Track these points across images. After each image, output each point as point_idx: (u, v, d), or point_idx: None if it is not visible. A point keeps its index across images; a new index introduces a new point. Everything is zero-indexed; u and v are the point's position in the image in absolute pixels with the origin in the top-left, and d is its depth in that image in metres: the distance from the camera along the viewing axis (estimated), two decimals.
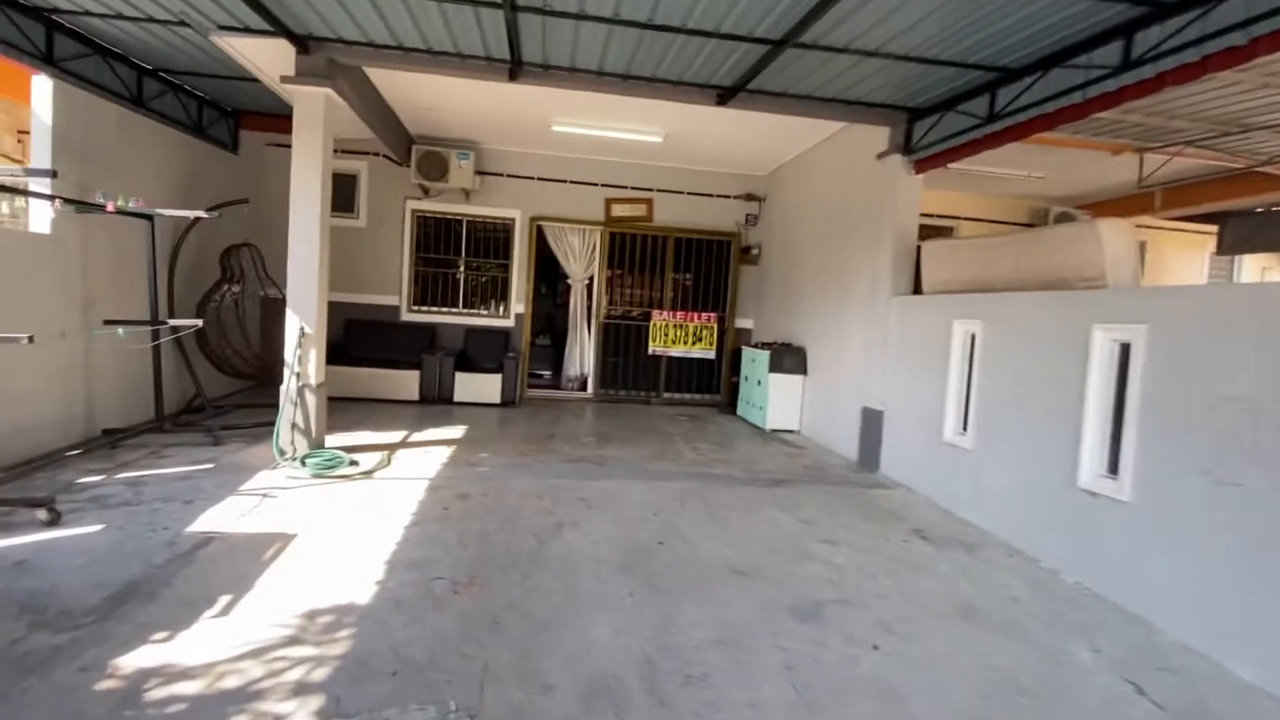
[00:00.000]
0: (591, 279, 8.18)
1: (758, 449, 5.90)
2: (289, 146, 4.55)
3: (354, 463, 4.51)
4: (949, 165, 4.99)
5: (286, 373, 4.58)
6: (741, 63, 4.47)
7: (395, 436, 5.44)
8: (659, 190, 8.11)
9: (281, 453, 4.52)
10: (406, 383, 7.03)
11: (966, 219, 8.29)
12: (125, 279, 4.96)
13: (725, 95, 5.01)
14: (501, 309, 8.04)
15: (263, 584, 2.77)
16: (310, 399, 4.67)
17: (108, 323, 4.56)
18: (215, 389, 6.27)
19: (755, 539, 3.64)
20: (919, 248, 5.15)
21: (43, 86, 4.26)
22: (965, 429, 4.35)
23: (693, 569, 3.18)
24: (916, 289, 5.18)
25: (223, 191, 6.49)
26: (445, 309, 7.94)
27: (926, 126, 5.01)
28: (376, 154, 7.57)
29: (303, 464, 4.30)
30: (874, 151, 5.48)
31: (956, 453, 4.38)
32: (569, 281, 8.27)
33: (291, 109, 4.67)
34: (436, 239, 7.92)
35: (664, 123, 6.36)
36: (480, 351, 7.72)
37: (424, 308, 7.89)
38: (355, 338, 7.51)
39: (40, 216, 4.28)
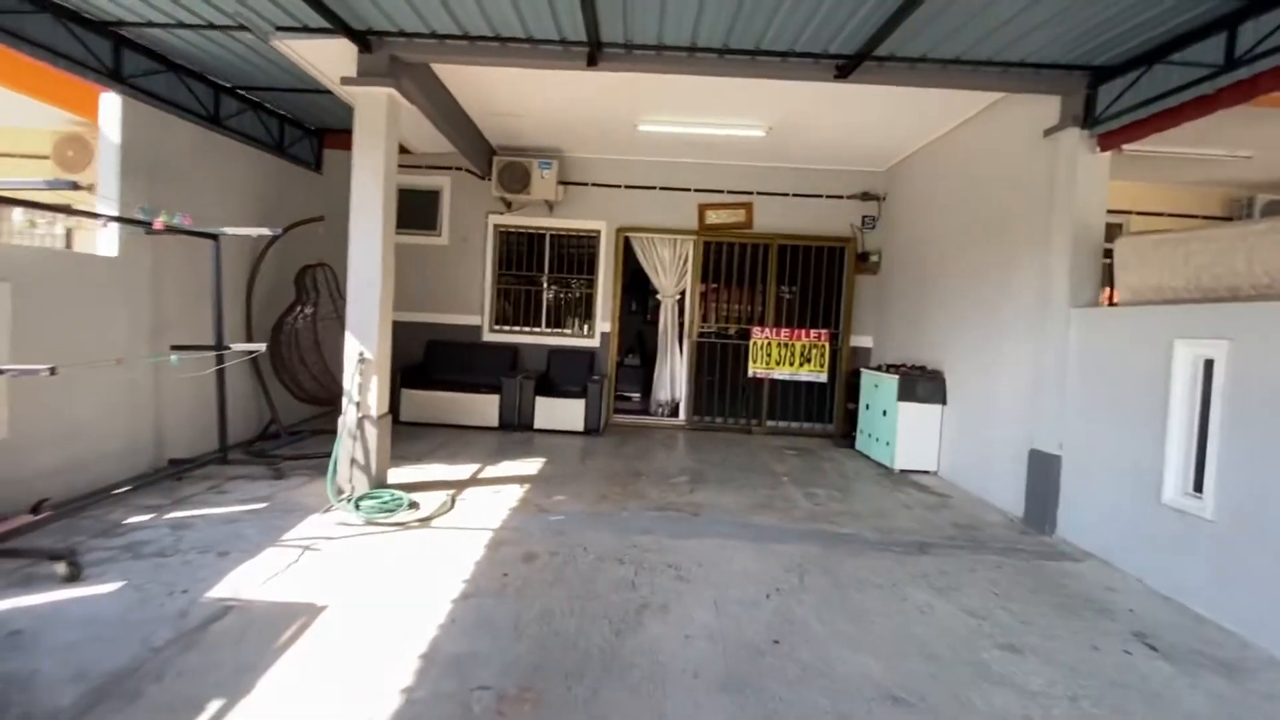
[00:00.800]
0: (683, 294, 7.42)
1: (888, 496, 4.84)
2: None
3: (414, 505, 3.96)
4: (1146, 139, 3.81)
5: (345, 402, 4.12)
6: (868, 21, 3.57)
7: (466, 471, 4.89)
8: (759, 193, 7.24)
9: (339, 492, 4.05)
10: (485, 408, 6.54)
11: (1136, 213, 6.80)
12: (200, 303, 4.75)
13: (846, 67, 4.11)
14: (586, 328, 7.43)
15: (267, 683, 2.18)
16: (371, 432, 4.19)
17: (175, 349, 4.32)
18: (292, 414, 6.05)
19: (907, 640, 2.67)
20: (1111, 246, 3.97)
21: (111, 104, 4.09)
22: (1199, 489, 3.15)
23: (825, 692, 2.27)
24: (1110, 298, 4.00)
25: (305, 211, 6.32)
26: (527, 329, 7.45)
27: (1117, 89, 3.85)
28: (459, 168, 7.24)
29: (356, 507, 3.79)
30: (1037, 128, 4.35)
31: (1186, 521, 3.17)
32: (659, 297, 7.55)
33: None
34: (519, 255, 7.47)
35: (766, 113, 5.51)
36: (563, 374, 7.14)
37: (505, 328, 7.43)
38: (436, 359, 7.16)
39: (107, 238, 4.09)
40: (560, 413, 6.55)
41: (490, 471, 4.92)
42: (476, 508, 4.02)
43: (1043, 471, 4.14)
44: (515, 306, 7.51)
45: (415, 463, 5.06)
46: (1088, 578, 3.41)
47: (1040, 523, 4.12)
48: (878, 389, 5.99)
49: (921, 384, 5.57)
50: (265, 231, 4.36)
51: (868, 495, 4.85)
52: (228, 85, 5.15)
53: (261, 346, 4.42)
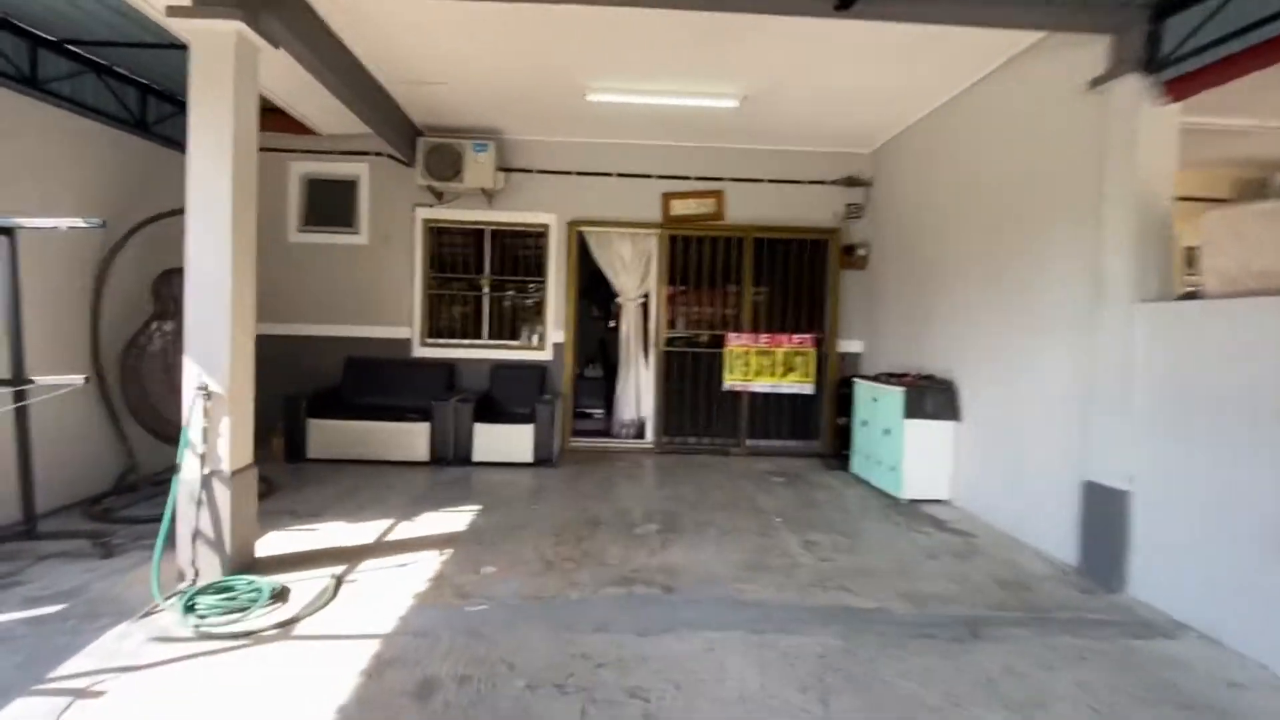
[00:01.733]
0: (647, 296, 6.44)
1: (903, 539, 3.92)
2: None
3: (279, 596, 2.86)
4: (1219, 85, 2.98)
5: (182, 453, 3.00)
6: None
7: (372, 530, 3.80)
8: (731, 179, 6.31)
9: (180, 577, 2.93)
10: (412, 439, 5.43)
11: None
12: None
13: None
14: (536, 339, 6.38)
15: None
16: (223, 493, 3.06)
17: None
18: (162, 459, 4.83)
19: None
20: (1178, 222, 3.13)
21: None
22: None
23: None
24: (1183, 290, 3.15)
25: (180, 203, 5.16)
26: (466, 342, 6.35)
27: (1194, 20, 3.01)
28: (378, 154, 6.12)
29: (188, 609, 2.67)
30: (1079, 80, 3.50)
31: None
32: (620, 300, 6.55)
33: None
34: (454, 256, 6.38)
35: (739, 78, 4.58)
36: (509, 394, 6.08)
37: (440, 341, 6.33)
38: (356, 381, 6.01)
39: None
40: (504, 442, 5.47)
41: (404, 529, 3.83)
42: (370, 594, 2.94)
43: (1104, 511, 3.27)
44: (451, 316, 6.41)
45: (308, 520, 3.94)
46: (1197, 667, 2.52)
47: (1104, 576, 3.25)
48: (877, 403, 5.09)
49: (931, 398, 4.69)
50: (78, 223, 3.20)
51: (879, 539, 3.92)
52: (49, 38, 3.96)
53: (79, 379, 3.24)
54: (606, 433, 6.65)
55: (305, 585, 2.99)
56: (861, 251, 6.26)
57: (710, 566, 3.35)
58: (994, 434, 4.29)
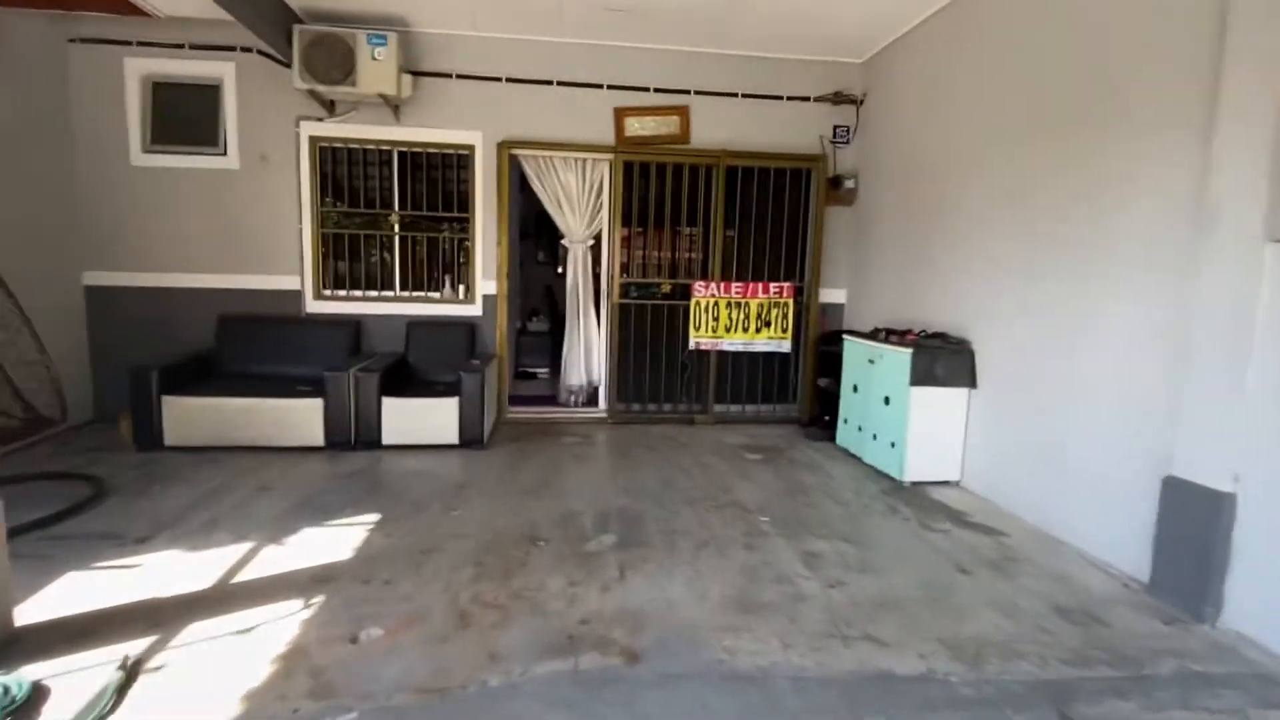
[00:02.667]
0: (598, 239, 5.35)
1: (921, 545, 3.14)
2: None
3: (22, 706, 1.83)
4: None
5: None
6: None
7: (220, 563, 2.75)
8: (698, 93, 5.18)
9: None
10: (303, 420, 4.31)
11: None
12: None
13: None
14: (462, 290, 5.24)
15: None
16: None
17: None
18: None
19: None
20: None
21: None
22: None
23: None
24: None
25: None
26: (374, 294, 5.16)
27: None
28: (248, 49, 4.71)
29: None
30: None
31: None
32: (565, 243, 5.44)
33: None
34: (356, 186, 5.10)
35: None
36: (430, 358, 4.98)
37: (340, 294, 5.12)
38: (233, 345, 4.79)
39: None
40: (421, 420, 4.42)
41: (265, 560, 2.80)
42: (175, 696, 1.93)
43: (1194, 516, 2.52)
44: (354, 262, 5.18)
45: (132, 547, 2.85)
46: None
47: (1189, 599, 2.52)
48: (874, 366, 4.25)
49: (943, 361, 3.86)
50: None
51: (893, 545, 3.12)
52: None
53: None
54: (552, 400, 5.66)
55: (78, 680, 1.96)
56: (849, 184, 5.30)
57: (686, 609, 2.47)
58: (1022, 405, 3.50)
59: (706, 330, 5.26)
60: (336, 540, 2.98)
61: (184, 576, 2.61)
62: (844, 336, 4.70)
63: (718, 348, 5.30)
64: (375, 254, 5.17)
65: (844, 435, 4.69)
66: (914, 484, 3.95)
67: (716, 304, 5.24)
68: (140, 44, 4.66)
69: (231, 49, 4.71)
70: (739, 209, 5.31)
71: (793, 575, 2.75)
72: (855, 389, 4.52)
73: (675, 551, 2.94)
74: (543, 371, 7.23)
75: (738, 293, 5.25)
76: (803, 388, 5.51)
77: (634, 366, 5.37)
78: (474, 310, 5.19)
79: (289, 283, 4.97)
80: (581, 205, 5.25)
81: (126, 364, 4.16)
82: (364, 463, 4.12)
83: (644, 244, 5.45)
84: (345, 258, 5.13)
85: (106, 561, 2.73)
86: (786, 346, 5.33)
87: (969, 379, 3.88)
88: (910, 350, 3.86)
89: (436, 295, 5.21)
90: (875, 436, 4.23)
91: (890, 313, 4.78)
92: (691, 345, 5.27)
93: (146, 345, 4.61)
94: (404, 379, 4.75)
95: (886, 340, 4.20)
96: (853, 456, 4.51)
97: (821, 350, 5.32)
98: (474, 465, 4.15)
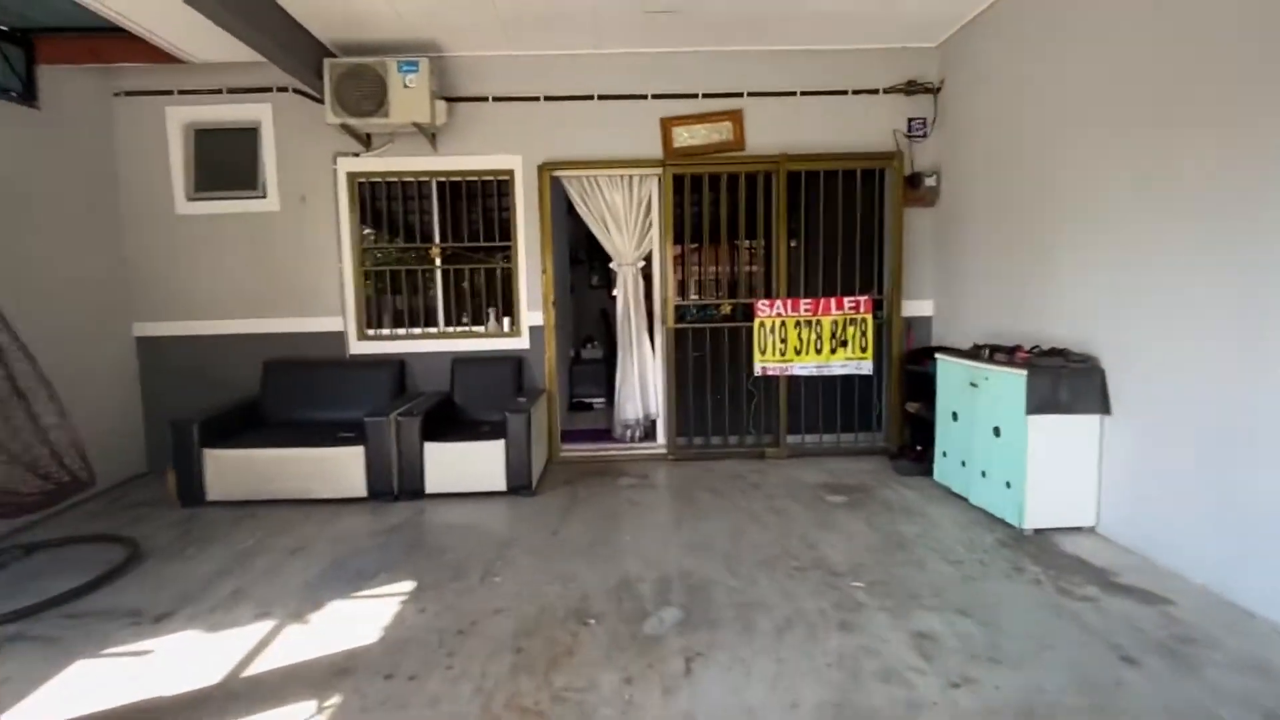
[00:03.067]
0: (649, 259, 4.95)
1: (1065, 620, 2.49)
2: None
3: None
4: None
5: None
6: None
7: (237, 646, 2.44)
8: (752, 94, 4.73)
9: None
10: (343, 469, 4.05)
11: None
12: None
13: None
14: (507, 323, 4.93)
15: None
16: None
17: None
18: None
19: None
20: None
21: None
22: None
23: None
24: None
25: (11, 164, 3.76)
26: (417, 331, 4.92)
27: None
28: (283, 89, 4.62)
29: None
30: None
31: None
32: (614, 266, 5.07)
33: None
34: (394, 219, 4.90)
35: None
36: (477, 396, 4.67)
37: (383, 333, 4.91)
38: (278, 391, 4.63)
39: None
40: (466, 465, 4.09)
41: (284, 643, 2.47)
42: None
43: None
44: (396, 299, 4.97)
45: (149, 627, 2.60)
46: None
47: None
48: (979, 390, 3.61)
49: (1066, 384, 3.20)
50: None
51: (1027, 620, 2.50)
52: None
53: None
54: (607, 434, 5.25)
55: None
56: (930, 181, 4.69)
57: None
58: (1180, 434, 2.81)
59: (773, 354, 4.73)
60: (365, 616, 2.64)
61: (195, 666, 2.32)
62: (936, 355, 4.07)
63: (787, 372, 4.75)
64: (418, 290, 4.94)
65: (943, 470, 4.04)
66: (1037, 532, 3.28)
67: (783, 324, 4.71)
68: (181, 92, 4.63)
69: (267, 90, 4.62)
70: (804, 217, 4.78)
71: (903, 669, 2.18)
72: (955, 417, 3.88)
73: (752, 634, 2.42)
74: (599, 401, 6.85)
75: (807, 310, 4.70)
76: (888, 414, 4.88)
77: (694, 396, 4.89)
78: (520, 343, 4.86)
79: (332, 324, 4.79)
80: (629, 225, 4.86)
81: (174, 415, 4.04)
82: (405, 515, 3.81)
83: (699, 262, 5.00)
84: (388, 295, 4.93)
85: (118, 646, 2.47)
86: (867, 367, 4.73)
87: (1100, 404, 3.20)
88: (1024, 371, 3.22)
89: (481, 329, 4.92)
90: (984, 474, 3.58)
91: (990, 326, 4.12)
92: (757, 371, 4.75)
93: (195, 394, 4.52)
94: (449, 420, 4.45)
95: (991, 359, 3.56)
96: (956, 496, 3.86)
97: (909, 370, 4.69)
98: (521, 516, 3.77)
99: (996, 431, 3.44)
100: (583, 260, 8.20)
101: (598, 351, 7.48)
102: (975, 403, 3.64)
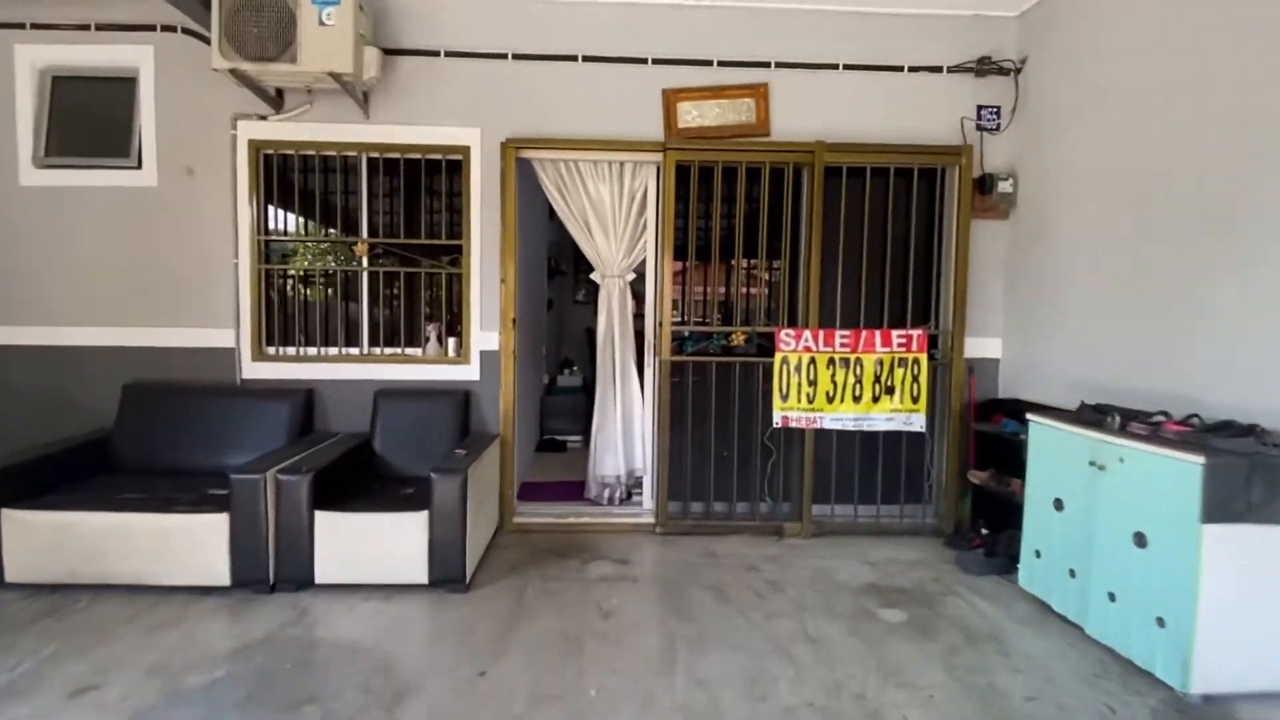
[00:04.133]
0: (640, 270, 3.86)
1: None
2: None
3: None
4: None
5: None
6: None
7: None
8: (781, 65, 3.68)
9: None
10: (199, 545, 2.86)
11: None
12: None
13: None
14: (453, 345, 3.79)
15: None
16: None
17: None
18: None
19: None
20: None
21: None
22: None
23: None
24: None
25: None
26: (335, 352, 3.77)
27: None
28: (170, 28, 3.50)
29: None
30: None
31: None
32: (596, 278, 3.97)
33: None
34: (308, 206, 3.76)
35: None
36: (402, 444, 3.51)
37: (288, 351, 3.75)
38: (137, 425, 3.45)
39: None
40: (374, 544, 2.91)
41: None
42: None
43: None
44: (307, 309, 3.83)
45: None
46: None
47: None
48: (1105, 473, 2.51)
49: (1264, 476, 2.12)
50: None
51: None
52: None
53: None
54: (580, 490, 4.10)
55: None
56: (1005, 187, 3.64)
57: None
58: None
59: (799, 399, 3.62)
60: None
61: None
62: (1030, 417, 2.98)
63: (815, 424, 3.64)
64: (337, 297, 3.80)
65: (1035, 576, 2.92)
66: (1210, 700, 2.17)
67: (812, 361, 3.61)
68: (35, 26, 3.51)
69: (149, 28, 3.51)
70: (843, 224, 3.71)
71: None
72: (1059, 505, 2.78)
73: None
74: (575, 440, 5.72)
75: (844, 345, 3.61)
76: (944, 484, 3.77)
77: (693, 450, 3.76)
78: (469, 373, 3.72)
79: (221, 338, 3.63)
80: (617, 226, 3.77)
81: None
82: (276, 622, 2.63)
83: (704, 277, 3.92)
84: (297, 302, 3.78)
85: None
86: (919, 422, 3.63)
87: None
88: (1198, 457, 2.13)
89: (417, 353, 3.78)
90: (1113, 597, 2.47)
91: (1094, 380, 3.05)
92: (776, 421, 3.64)
93: (36, 426, 3.36)
94: (362, 477, 3.29)
95: (1123, 429, 2.48)
96: (1056, 616, 2.75)
97: (979, 431, 3.61)
98: (441, 632, 2.60)
99: (1140, 540, 2.34)
100: (564, 271, 7.12)
101: (576, 379, 6.36)
102: (1098, 491, 2.55)
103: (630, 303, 3.93)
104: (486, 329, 3.70)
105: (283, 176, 3.69)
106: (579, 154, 3.66)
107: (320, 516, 2.87)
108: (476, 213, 3.64)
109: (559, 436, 5.77)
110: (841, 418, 3.64)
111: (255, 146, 3.58)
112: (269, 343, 3.69)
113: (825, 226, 3.65)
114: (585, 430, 5.17)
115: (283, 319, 3.74)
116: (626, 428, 3.90)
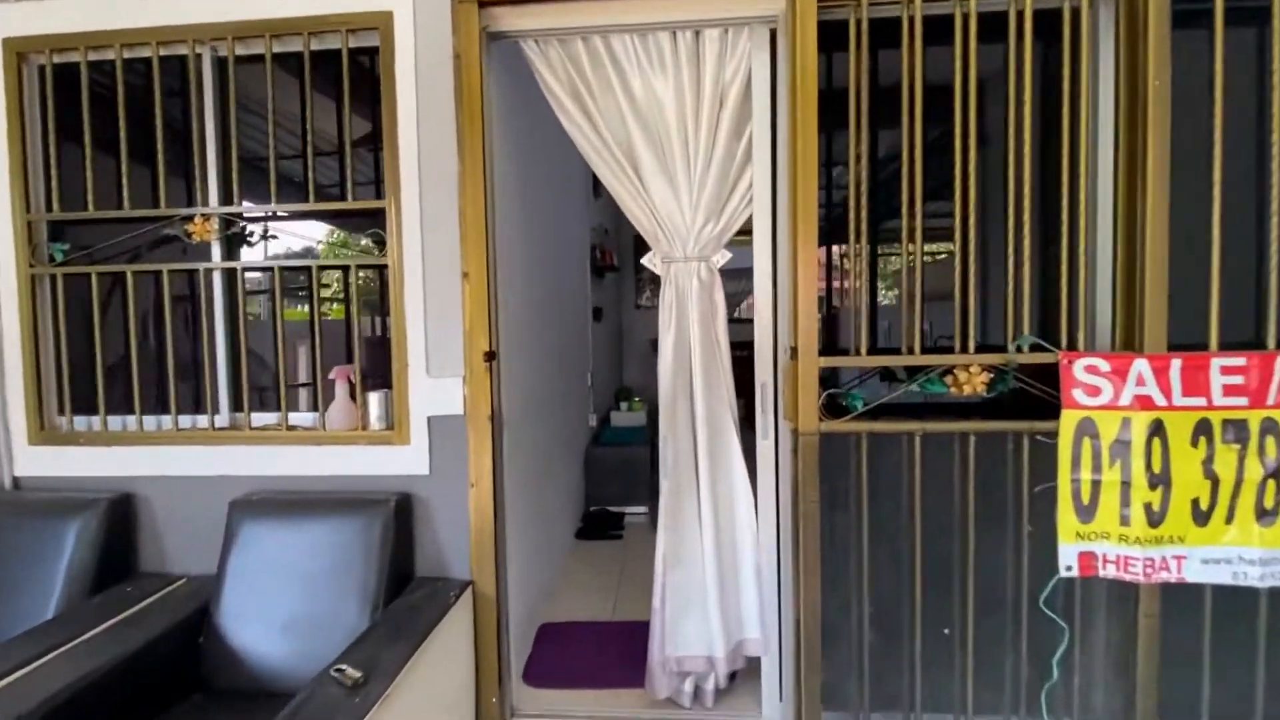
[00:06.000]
0: (739, 244, 1.91)
1: None
2: None
3: None
4: None
5: None
6: None
7: None
8: None
9: None
10: None
11: None
12: None
13: None
14: (376, 408, 1.97)
15: None
16: None
17: None
18: None
19: None
20: None
21: None
22: None
23: None
24: None
25: None
26: (166, 425, 2.04)
27: None
28: None
29: None
30: None
31: None
32: (651, 263, 2.06)
33: None
34: (112, 154, 2.04)
35: None
36: (268, 610, 1.73)
37: (90, 426, 2.05)
38: None
39: None
40: None
41: None
42: None
43: None
44: (126, 348, 2.11)
45: None
46: None
47: None
48: None
49: None
50: None
51: None
52: None
53: None
54: (640, 660, 2.18)
55: None
56: None
57: None
58: None
59: (1119, 518, 1.57)
60: None
61: None
62: None
63: (1164, 573, 1.58)
64: (170, 322, 2.07)
65: None
66: None
67: (1157, 429, 1.55)
68: None
69: None
70: (1219, 121, 1.61)
71: None
72: None
73: None
74: (638, 513, 3.86)
75: (1233, 391, 1.53)
76: None
77: (871, 612, 1.78)
78: (405, 458, 1.90)
79: None
80: (692, 158, 1.86)
81: None
82: None
83: (886, 258, 1.93)
84: (102, 332, 2.09)
85: None
86: None
87: None
88: None
89: (308, 424, 2.00)
90: None
91: None
92: (1066, 562, 1.60)
93: None
94: (169, 694, 1.53)
95: None
96: None
97: None
98: None
99: None
100: (616, 268, 5.29)
101: (638, 415, 4.50)
102: None
103: (722, 311, 2.00)
104: (438, 373, 1.87)
105: (71, 104, 2.01)
106: (606, 17, 1.78)
107: None
108: (411, 145, 1.83)
109: (612, 508, 3.91)
110: (1227, 556, 1.56)
111: (16, 48, 1.93)
112: (58, 411, 2.02)
113: (1176, 125, 1.58)
114: (652, 496, 3.34)
115: (83, 365, 2.05)
116: (722, 558, 1.96)
